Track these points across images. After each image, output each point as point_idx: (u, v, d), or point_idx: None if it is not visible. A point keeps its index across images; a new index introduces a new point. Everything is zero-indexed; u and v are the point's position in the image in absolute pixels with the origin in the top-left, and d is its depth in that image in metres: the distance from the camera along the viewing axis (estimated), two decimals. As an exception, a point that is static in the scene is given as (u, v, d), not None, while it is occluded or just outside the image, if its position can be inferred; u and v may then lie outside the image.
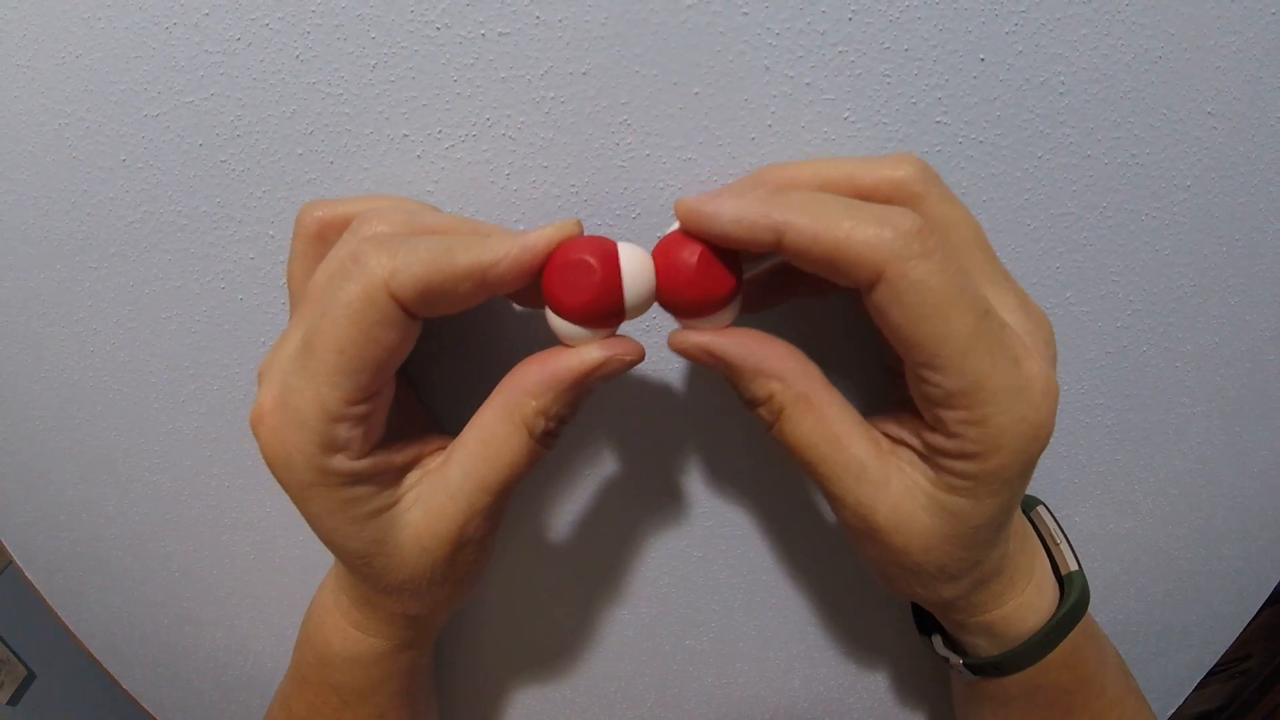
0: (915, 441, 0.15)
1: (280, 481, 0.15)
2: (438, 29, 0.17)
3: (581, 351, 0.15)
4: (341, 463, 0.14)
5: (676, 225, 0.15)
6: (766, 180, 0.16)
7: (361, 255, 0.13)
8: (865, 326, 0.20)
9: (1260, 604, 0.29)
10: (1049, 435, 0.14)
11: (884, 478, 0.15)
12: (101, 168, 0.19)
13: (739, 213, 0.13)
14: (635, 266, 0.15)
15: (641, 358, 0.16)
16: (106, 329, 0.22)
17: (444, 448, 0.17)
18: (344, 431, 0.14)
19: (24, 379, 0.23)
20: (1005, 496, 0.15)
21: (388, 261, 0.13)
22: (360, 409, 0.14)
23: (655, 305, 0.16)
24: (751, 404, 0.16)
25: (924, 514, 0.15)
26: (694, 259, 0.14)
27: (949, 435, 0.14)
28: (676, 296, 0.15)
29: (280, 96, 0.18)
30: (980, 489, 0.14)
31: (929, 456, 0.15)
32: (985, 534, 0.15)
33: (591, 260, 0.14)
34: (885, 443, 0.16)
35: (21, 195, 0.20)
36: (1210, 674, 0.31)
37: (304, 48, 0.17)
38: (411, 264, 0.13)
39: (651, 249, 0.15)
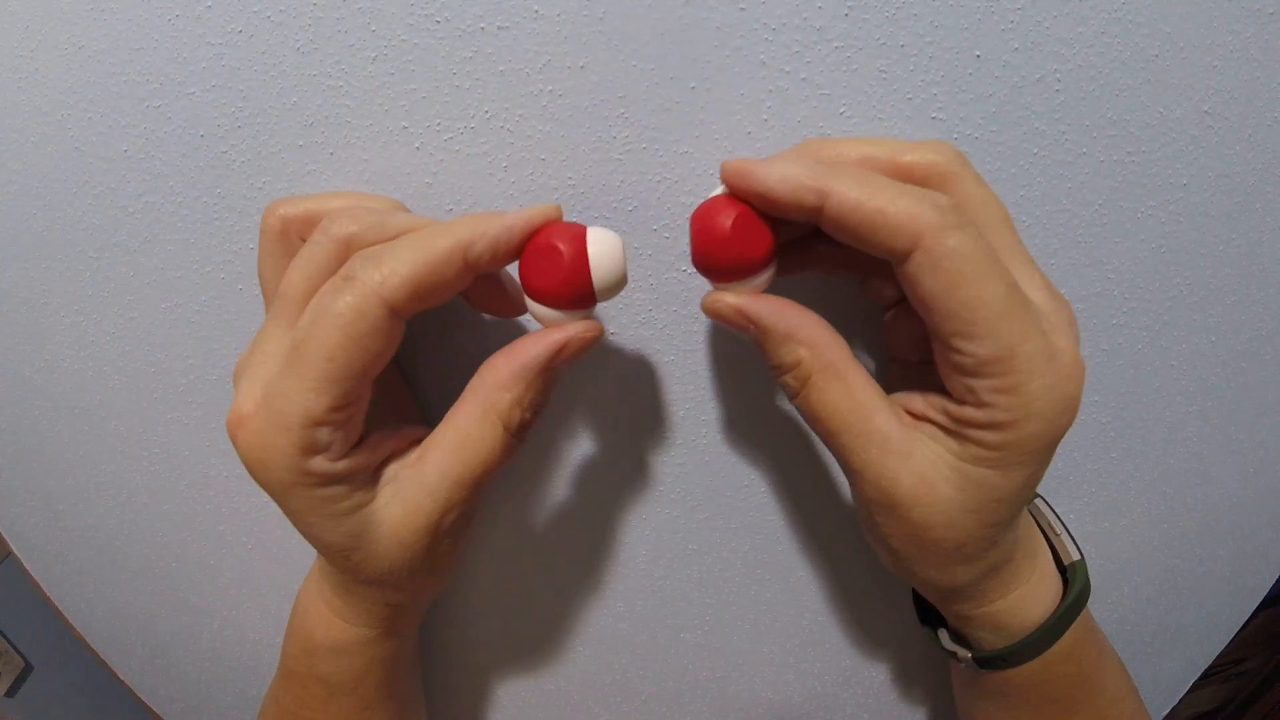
0: (939, 417, 0.15)
1: (258, 480, 0.15)
2: (437, 22, 0.17)
3: (544, 336, 0.15)
4: (320, 464, 0.15)
5: (716, 191, 0.16)
6: (811, 152, 0.16)
7: (352, 270, 0.14)
8: (876, 316, 0.20)
9: (1256, 605, 0.29)
10: (1077, 408, 0.14)
11: (908, 449, 0.15)
12: (102, 158, 0.19)
13: (785, 173, 0.14)
14: (604, 250, 0.15)
15: (600, 335, 0.16)
16: (106, 319, 0.22)
17: (419, 440, 0.17)
18: (325, 435, 0.14)
19: (23, 368, 0.23)
20: (1030, 469, 0.15)
21: (376, 273, 0.14)
22: (341, 414, 0.15)
23: (621, 297, 0.16)
24: (779, 370, 0.16)
25: (947, 486, 0.15)
26: (730, 221, 0.15)
27: (979, 405, 0.14)
28: (713, 258, 0.15)
29: (281, 88, 0.18)
30: (1008, 459, 0.14)
31: (955, 430, 0.15)
32: (1005, 510, 0.15)
33: (559, 244, 0.15)
34: (907, 417, 0.16)
35: (22, 185, 0.20)
36: (1206, 675, 0.31)
37: (304, 40, 0.17)
38: (397, 266, 0.14)
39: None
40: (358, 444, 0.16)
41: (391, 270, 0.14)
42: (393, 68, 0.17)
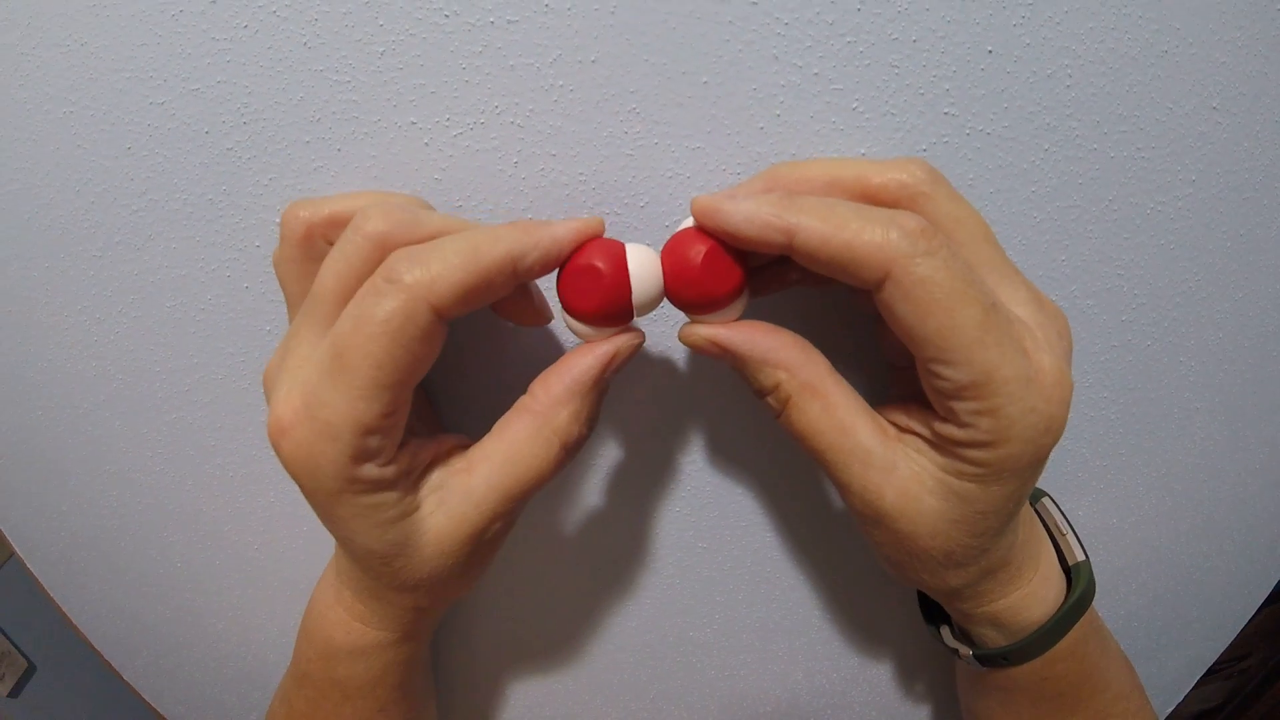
0: (924, 430, 0.15)
1: (305, 489, 0.15)
2: (446, 16, 0.17)
3: (592, 349, 0.16)
4: (370, 470, 0.15)
5: (686, 223, 0.16)
6: (778, 179, 0.16)
7: (395, 271, 0.14)
8: (869, 319, 0.20)
9: (1261, 601, 0.29)
10: (1061, 427, 0.14)
11: (891, 463, 0.15)
12: (106, 155, 0.19)
13: (752, 212, 0.14)
14: (643, 268, 0.15)
15: (644, 341, 0.16)
16: (110, 318, 0.21)
17: (462, 447, 0.17)
18: (375, 442, 0.14)
19: (26, 368, 0.23)
20: (1014, 485, 0.15)
21: (423, 274, 0.14)
22: (391, 420, 0.14)
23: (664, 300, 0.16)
24: (760, 393, 0.16)
25: (931, 498, 0.15)
26: (700, 257, 0.15)
27: (961, 425, 0.14)
28: (684, 293, 0.15)
29: (287, 84, 0.18)
30: (990, 476, 0.14)
31: (939, 444, 0.15)
32: (992, 521, 0.15)
33: (601, 265, 0.15)
34: (892, 430, 0.16)
35: (25, 183, 0.20)
36: (1209, 672, 0.31)
37: (311, 34, 0.17)
38: (446, 271, 0.14)
39: (659, 243, 0.15)
40: (401, 447, 0.15)
41: (439, 274, 0.14)
42: (401, 62, 0.17)
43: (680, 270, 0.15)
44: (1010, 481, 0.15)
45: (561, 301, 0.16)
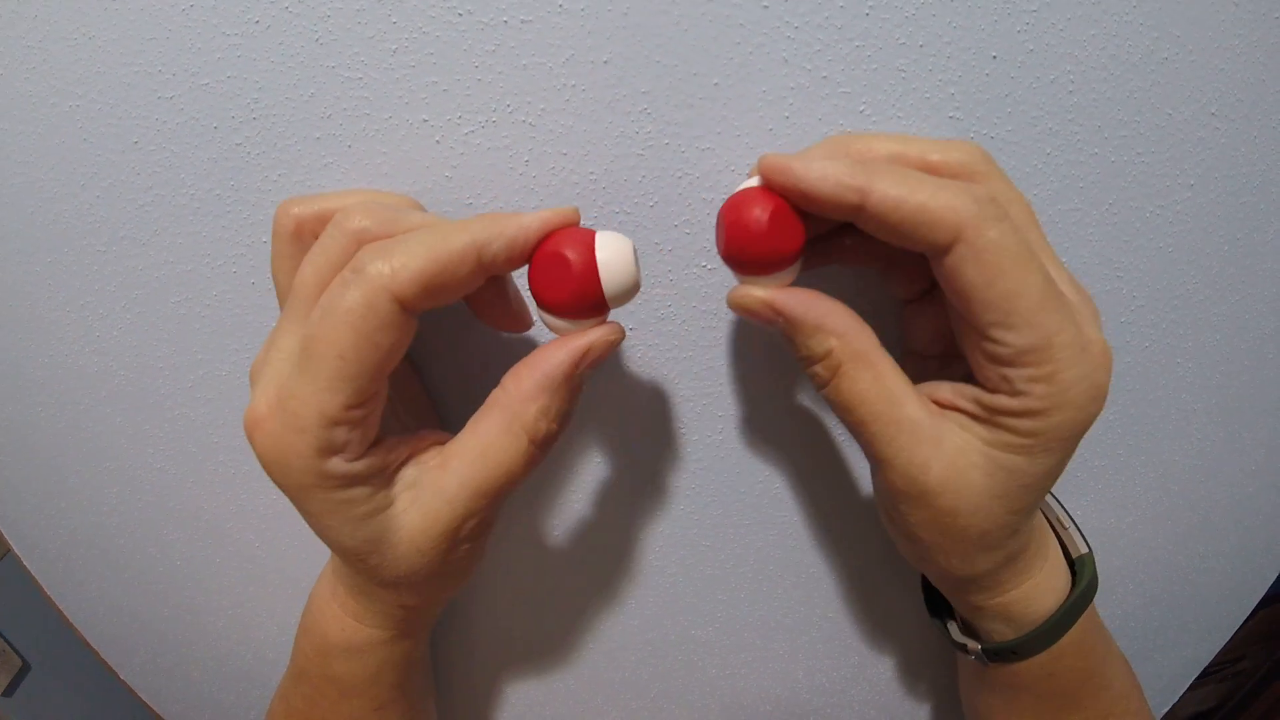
0: (969, 405, 0.15)
1: (277, 483, 0.15)
2: (460, 15, 0.17)
3: (566, 343, 0.15)
4: (338, 465, 0.14)
5: (747, 184, 0.15)
6: (842, 147, 0.16)
7: (360, 263, 0.14)
8: (894, 309, 0.20)
9: (1255, 603, 0.30)
10: (1105, 397, 0.15)
11: (938, 436, 0.15)
12: (113, 150, 0.19)
13: (826, 171, 0.14)
14: (614, 257, 0.15)
15: (622, 336, 0.16)
16: (113, 313, 0.21)
17: (440, 443, 0.17)
18: (342, 435, 0.14)
19: (27, 363, 0.23)
20: (1058, 456, 0.15)
21: (385, 265, 0.13)
22: (358, 412, 0.14)
23: (638, 296, 0.16)
24: (809, 360, 0.16)
25: (976, 472, 0.15)
26: (767, 215, 0.14)
27: (1014, 394, 0.14)
28: (746, 251, 0.15)
29: (298, 80, 0.18)
30: (1038, 446, 0.15)
31: (986, 418, 0.15)
32: (1031, 496, 0.15)
33: (567, 253, 0.14)
34: (934, 406, 0.16)
35: (29, 177, 0.20)
36: (1204, 675, 0.31)
37: (323, 31, 0.17)
38: (409, 261, 0.14)
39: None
40: (375, 444, 0.15)
41: (402, 264, 0.14)
42: (413, 60, 0.17)
43: (744, 227, 0.14)
44: (1056, 452, 0.15)
45: (532, 294, 0.15)
